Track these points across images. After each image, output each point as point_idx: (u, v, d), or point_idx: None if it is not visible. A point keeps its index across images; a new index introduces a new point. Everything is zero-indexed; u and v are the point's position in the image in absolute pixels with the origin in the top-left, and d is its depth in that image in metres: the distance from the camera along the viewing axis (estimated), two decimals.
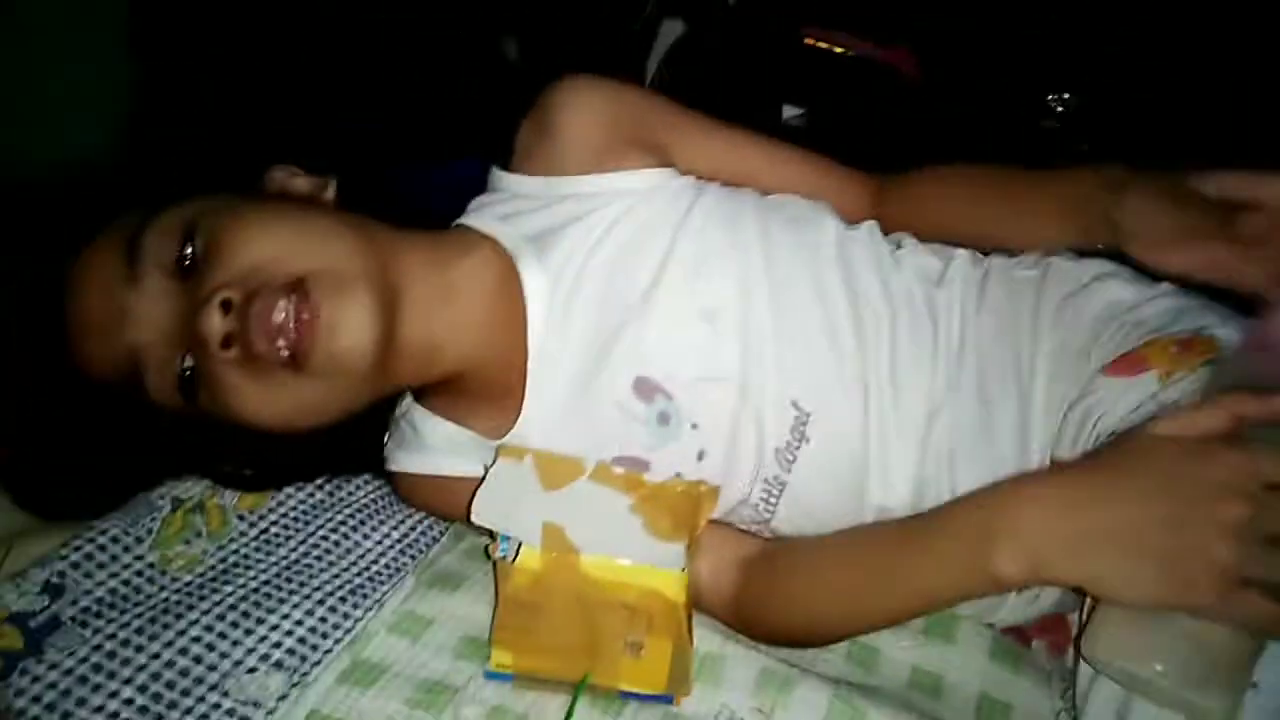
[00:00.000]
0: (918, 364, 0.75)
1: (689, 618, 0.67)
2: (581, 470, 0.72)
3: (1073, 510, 0.58)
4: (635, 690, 0.68)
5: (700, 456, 0.75)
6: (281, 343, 0.68)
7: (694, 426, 0.75)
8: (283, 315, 0.68)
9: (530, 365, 0.76)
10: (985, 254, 0.83)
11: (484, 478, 0.70)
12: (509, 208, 0.82)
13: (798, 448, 0.75)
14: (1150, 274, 0.76)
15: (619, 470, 0.72)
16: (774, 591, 0.72)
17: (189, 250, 0.70)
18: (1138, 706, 0.59)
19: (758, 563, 0.73)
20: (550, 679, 0.68)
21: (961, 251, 0.82)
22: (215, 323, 0.67)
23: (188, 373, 0.71)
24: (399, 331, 0.73)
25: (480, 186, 0.86)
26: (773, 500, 0.76)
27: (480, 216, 0.82)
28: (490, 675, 0.69)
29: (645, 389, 0.75)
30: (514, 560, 0.66)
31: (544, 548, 0.66)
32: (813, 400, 0.75)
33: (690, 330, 0.75)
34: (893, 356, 0.75)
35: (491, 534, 0.68)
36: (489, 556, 0.68)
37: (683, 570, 0.65)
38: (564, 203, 0.80)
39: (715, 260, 0.77)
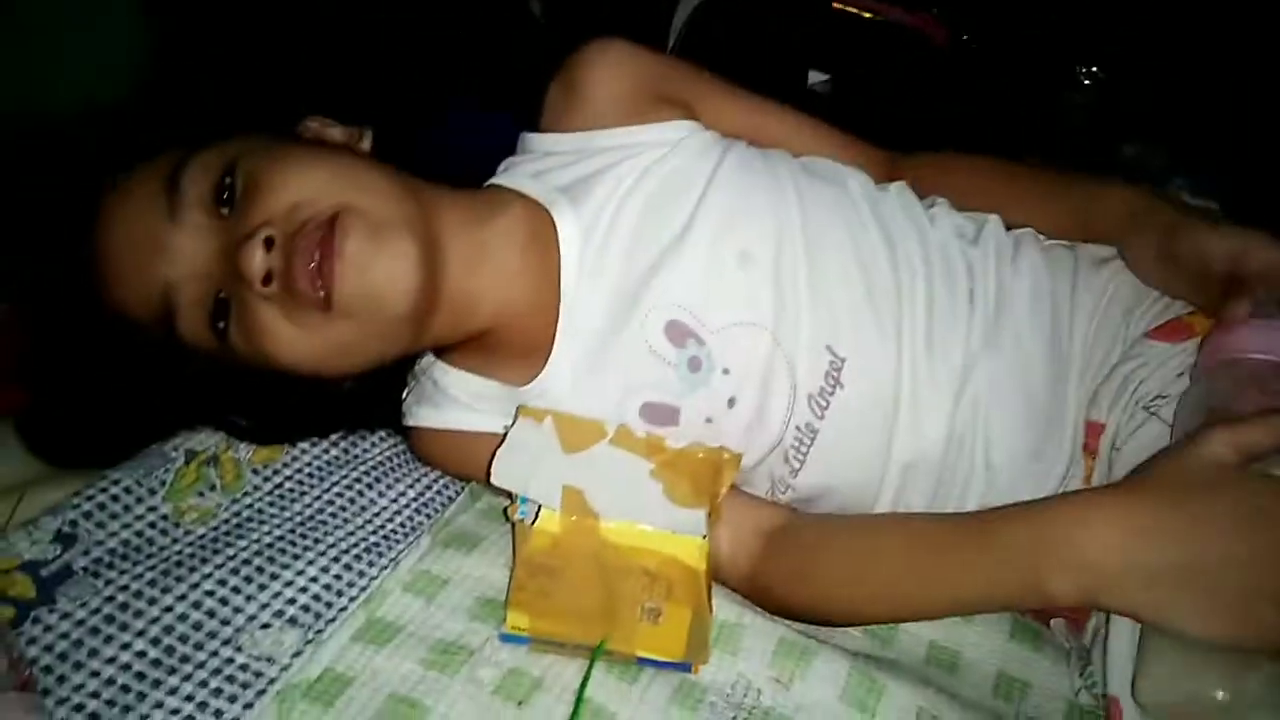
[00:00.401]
0: (953, 318, 0.76)
1: (709, 586, 0.67)
2: (603, 433, 0.71)
3: (1144, 542, 0.55)
4: (652, 657, 0.67)
5: (731, 403, 0.74)
6: (320, 282, 0.68)
7: (725, 372, 0.74)
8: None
9: (562, 309, 0.76)
10: None
11: (504, 438, 0.69)
12: (540, 165, 0.82)
13: (831, 394, 0.74)
14: None
15: (640, 434, 0.72)
16: (800, 571, 0.71)
17: (229, 187, 0.70)
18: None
19: (781, 538, 0.72)
20: (566, 643, 0.67)
21: (993, 215, 0.82)
22: (258, 259, 0.67)
23: (221, 312, 0.70)
24: (441, 286, 0.73)
25: (507, 152, 0.86)
26: (804, 449, 0.75)
27: (512, 176, 0.82)
28: (505, 638, 0.68)
29: (677, 333, 0.74)
30: (533, 523, 0.65)
31: (564, 511, 0.65)
32: (848, 346, 0.74)
33: (724, 275, 0.75)
34: (929, 310, 0.75)
35: (510, 495, 0.67)
36: (508, 518, 0.67)
37: (703, 538, 0.65)
38: (595, 156, 0.80)
39: (750, 206, 0.77)
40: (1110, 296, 0.76)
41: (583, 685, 0.64)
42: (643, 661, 0.67)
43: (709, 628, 0.68)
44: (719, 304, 0.74)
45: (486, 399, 0.78)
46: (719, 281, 0.75)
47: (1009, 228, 0.83)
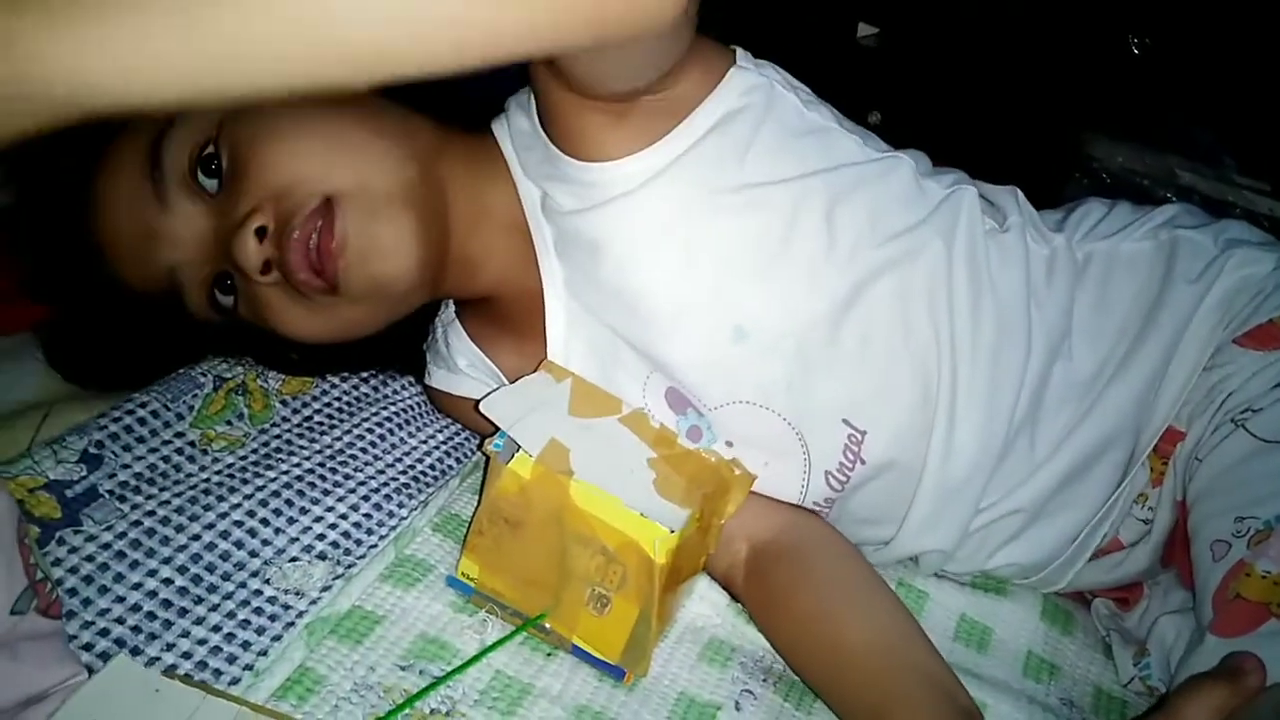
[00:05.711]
0: (995, 388, 0.68)
1: (663, 587, 0.61)
2: (618, 409, 0.68)
3: None
4: (587, 650, 0.63)
5: None
6: (321, 273, 0.64)
7: (729, 444, 0.69)
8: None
9: (549, 355, 0.72)
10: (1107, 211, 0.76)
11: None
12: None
13: (851, 469, 0.69)
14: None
15: (657, 424, 0.68)
16: (776, 607, 0.67)
17: (214, 166, 0.65)
18: None
19: (771, 560, 0.68)
20: (508, 606, 0.65)
21: (1059, 239, 0.73)
22: (251, 251, 0.63)
23: (228, 290, 0.68)
24: (446, 249, 0.69)
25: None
26: (825, 512, 0.72)
27: (509, 136, 0.72)
28: (452, 581, 0.66)
29: (677, 400, 0.70)
30: (507, 462, 0.62)
31: (540, 460, 0.61)
32: (867, 418, 0.68)
33: (716, 352, 0.67)
34: (969, 378, 0.67)
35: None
36: (482, 451, 0.65)
37: (672, 532, 0.59)
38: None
39: (743, 269, 0.66)
40: (1205, 315, 0.68)
41: (490, 647, 0.62)
42: (578, 651, 0.64)
43: (652, 638, 0.63)
44: (715, 383, 0.68)
45: (487, 372, 0.76)
46: (712, 359, 0.67)
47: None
